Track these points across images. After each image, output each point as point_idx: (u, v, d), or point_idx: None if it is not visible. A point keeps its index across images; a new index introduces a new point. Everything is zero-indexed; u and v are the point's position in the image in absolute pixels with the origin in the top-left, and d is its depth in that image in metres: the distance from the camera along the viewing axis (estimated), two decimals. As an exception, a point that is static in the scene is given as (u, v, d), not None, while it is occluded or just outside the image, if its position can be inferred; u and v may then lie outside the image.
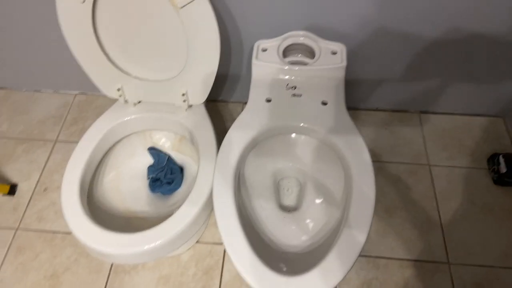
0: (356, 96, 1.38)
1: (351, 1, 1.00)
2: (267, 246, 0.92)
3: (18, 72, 1.45)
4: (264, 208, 1.00)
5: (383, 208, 1.23)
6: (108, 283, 1.12)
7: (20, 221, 1.24)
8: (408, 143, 1.37)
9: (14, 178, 1.33)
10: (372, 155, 1.32)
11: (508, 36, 1.07)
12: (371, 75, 1.27)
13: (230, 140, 0.94)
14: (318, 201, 1.03)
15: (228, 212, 0.84)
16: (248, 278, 0.74)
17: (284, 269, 0.79)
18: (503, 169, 1.21)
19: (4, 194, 1.28)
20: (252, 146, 0.96)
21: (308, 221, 1.00)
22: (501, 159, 1.23)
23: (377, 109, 1.44)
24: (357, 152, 0.90)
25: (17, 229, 1.22)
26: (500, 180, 1.23)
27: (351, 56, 1.17)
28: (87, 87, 1.50)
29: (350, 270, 0.76)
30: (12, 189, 1.29)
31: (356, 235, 0.79)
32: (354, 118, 0.94)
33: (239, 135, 0.94)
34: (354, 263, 0.76)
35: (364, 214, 0.82)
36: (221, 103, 1.48)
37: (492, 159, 1.27)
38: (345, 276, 0.75)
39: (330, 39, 1.04)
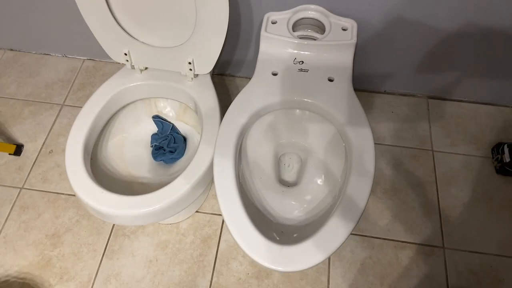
0: (364, 77, 1.36)
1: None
2: (264, 217, 0.93)
3: (28, 34, 1.46)
4: (263, 181, 1.01)
5: (383, 190, 1.23)
6: (108, 245, 1.15)
7: (25, 181, 1.27)
8: (413, 128, 1.36)
9: (20, 139, 1.35)
10: (376, 137, 1.34)
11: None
12: (381, 57, 1.25)
13: (233, 111, 0.94)
14: (317, 178, 1.04)
15: (227, 182, 0.85)
16: (243, 245, 0.76)
17: (278, 238, 0.81)
18: (506, 158, 1.20)
19: (10, 154, 1.30)
20: (256, 119, 0.97)
21: (306, 197, 1.01)
22: (506, 149, 1.22)
23: (385, 92, 1.43)
24: (360, 130, 0.90)
25: (21, 188, 1.25)
26: (503, 169, 1.23)
27: (362, 35, 1.15)
28: (95, 53, 1.51)
29: (342, 244, 0.77)
30: (18, 149, 1.31)
31: (352, 210, 0.79)
32: (360, 99, 0.93)
33: (243, 106, 0.94)
34: (347, 237, 0.77)
35: (361, 191, 0.82)
36: (228, 77, 1.48)
37: (497, 148, 1.26)
38: (337, 250, 0.76)
39: (342, 15, 1.03)
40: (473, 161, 1.29)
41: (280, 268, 0.74)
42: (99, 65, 1.53)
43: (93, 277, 1.11)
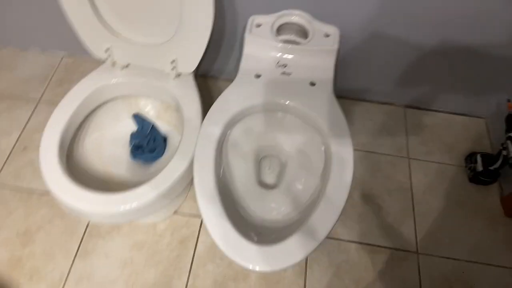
0: (344, 85, 1.39)
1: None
2: (242, 217, 0.93)
3: (5, 28, 1.42)
4: (243, 183, 1.01)
5: (360, 194, 1.25)
6: (81, 245, 1.12)
7: (-4, 177, 1.22)
8: (391, 135, 1.39)
9: (-7, 134, 1.31)
10: (354, 143, 1.34)
11: (499, 47, 1.11)
12: (361, 65, 1.28)
13: (215, 111, 0.94)
14: (297, 181, 1.04)
15: (207, 182, 0.84)
16: (220, 243, 0.75)
17: (256, 239, 0.81)
18: (479, 167, 1.24)
19: (-19, 149, 1.26)
20: (238, 120, 0.97)
21: (285, 199, 1.01)
22: (479, 158, 1.26)
23: (364, 100, 1.46)
24: (339, 135, 0.91)
25: (-8, 185, 1.21)
26: (475, 178, 1.27)
27: (343, 42, 1.17)
28: (75, 49, 1.47)
29: (318, 246, 0.77)
30: (-10, 145, 1.27)
31: (329, 214, 0.80)
32: (340, 106, 0.95)
33: (224, 107, 0.94)
34: (323, 240, 0.78)
35: (339, 195, 0.83)
36: (211, 79, 1.48)
37: (470, 158, 1.30)
38: (311, 253, 0.77)
39: (325, 22, 1.05)
40: (447, 170, 1.32)
41: (256, 268, 0.73)
42: (79, 62, 1.51)
43: (65, 277, 1.07)
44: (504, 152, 1.14)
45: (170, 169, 0.89)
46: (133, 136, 1.14)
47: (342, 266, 1.13)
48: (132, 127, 1.15)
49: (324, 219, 0.80)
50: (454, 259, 1.16)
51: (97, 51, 1.01)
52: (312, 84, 0.98)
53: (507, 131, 1.13)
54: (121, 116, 1.14)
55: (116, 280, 1.07)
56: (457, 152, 1.36)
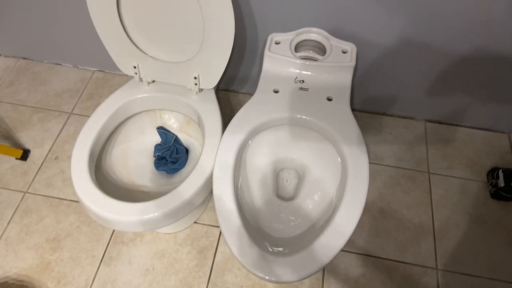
0: (364, 99, 1.41)
1: (369, 8, 1.03)
2: (260, 229, 0.95)
3: (41, 44, 1.52)
4: (261, 194, 1.04)
5: (378, 209, 1.25)
6: (106, 252, 1.17)
7: (29, 185, 1.30)
8: (411, 150, 1.39)
9: (27, 144, 1.39)
10: (373, 157, 1.37)
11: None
12: (379, 79, 1.29)
13: (235, 125, 0.98)
14: (314, 194, 1.06)
15: (226, 193, 0.88)
16: (237, 253, 0.78)
17: (272, 250, 0.83)
18: (501, 183, 1.22)
19: (16, 158, 1.34)
20: (256, 133, 1.00)
21: (302, 212, 1.03)
22: (501, 174, 1.24)
23: (384, 114, 1.47)
24: (356, 150, 0.93)
25: (25, 193, 1.28)
26: (497, 194, 1.25)
27: (363, 58, 1.20)
28: (105, 65, 1.56)
29: (334, 258, 0.79)
30: (25, 154, 1.35)
31: (344, 227, 0.82)
32: (359, 119, 0.96)
33: (244, 121, 0.98)
34: (336, 255, 0.79)
35: (353, 211, 0.85)
36: (232, 93, 1.52)
37: (492, 173, 1.28)
38: (328, 263, 0.78)
39: (343, 38, 1.07)
40: (469, 185, 1.31)
41: (273, 278, 0.76)
42: (108, 77, 1.59)
43: (90, 282, 1.12)
44: (527, 168, 1.12)
45: (191, 180, 0.92)
46: (157, 147, 1.19)
47: (359, 280, 1.13)
48: (156, 139, 1.21)
49: (338, 233, 0.81)
50: (474, 276, 1.14)
51: (126, 68, 1.07)
52: (329, 99, 1.01)
53: (530, 147, 1.12)
54: (146, 128, 1.20)
55: (138, 287, 1.12)
56: (479, 167, 1.34)
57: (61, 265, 1.15)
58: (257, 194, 1.04)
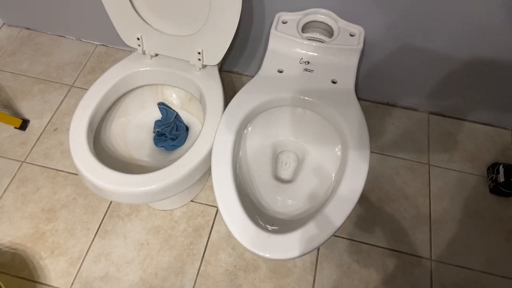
0: (367, 87, 1.39)
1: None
2: (256, 208, 0.95)
3: (45, 15, 1.49)
4: (259, 175, 1.03)
5: (376, 197, 1.25)
6: (101, 225, 1.17)
7: (27, 155, 1.29)
8: (412, 141, 1.38)
9: (27, 115, 1.38)
10: (374, 147, 1.36)
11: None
12: (385, 68, 1.27)
13: (237, 103, 0.97)
14: (312, 177, 1.05)
15: (224, 171, 0.87)
16: (233, 228, 0.78)
17: (270, 229, 0.83)
18: (501, 178, 1.22)
19: (15, 128, 1.33)
20: (258, 113, 0.99)
21: (299, 194, 1.02)
22: (501, 169, 1.23)
23: (387, 104, 1.46)
24: (358, 135, 0.92)
25: (23, 162, 1.28)
26: (496, 189, 1.24)
27: (368, 44, 1.18)
28: (109, 39, 1.54)
29: (326, 241, 0.79)
30: (24, 124, 1.34)
31: (340, 210, 0.81)
32: (362, 108, 0.94)
33: (246, 99, 0.97)
34: (330, 236, 0.79)
35: (352, 192, 0.84)
36: (236, 75, 1.51)
37: (492, 168, 1.28)
38: (320, 245, 0.78)
39: (350, 21, 1.06)
40: (468, 179, 1.30)
41: (267, 255, 0.75)
42: (111, 51, 1.57)
43: (84, 254, 1.12)
44: (528, 164, 1.12)
45: (190, 155, 0.92)
46: (157, 123, 1.18)
47: (352, 266, 1.13)
48: (157, 115, 1.20)
49: (334, 216, 0.81)
50: (469, 268, 1.14)
51: (129, 39, 1.06)
52: (334, 82, 1.00)
53: (533, 142, 1.11)
54: (147, 103, 1.18)
55: (132, 261, 1.12)
56: (479, 162, 1.34)
57: (56, 236, 1.15)
58: (255, 174, 1.03)
